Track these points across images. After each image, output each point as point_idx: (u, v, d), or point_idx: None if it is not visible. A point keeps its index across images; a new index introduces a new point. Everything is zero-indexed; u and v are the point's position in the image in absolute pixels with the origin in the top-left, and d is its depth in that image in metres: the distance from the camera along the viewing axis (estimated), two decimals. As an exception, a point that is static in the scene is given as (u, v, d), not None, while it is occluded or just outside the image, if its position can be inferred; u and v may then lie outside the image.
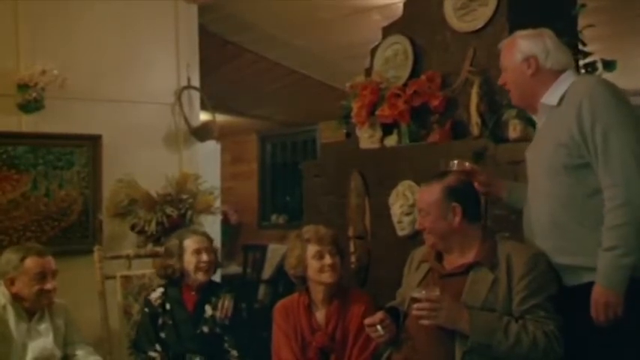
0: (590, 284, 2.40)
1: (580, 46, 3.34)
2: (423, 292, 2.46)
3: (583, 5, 3.39)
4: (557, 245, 2.52)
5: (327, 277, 3.07)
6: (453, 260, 2.65)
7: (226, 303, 3.43)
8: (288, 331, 3.13)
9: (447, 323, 2.44)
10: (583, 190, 2.46)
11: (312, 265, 3.10)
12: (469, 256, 2.60)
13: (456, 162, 2.83)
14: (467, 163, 2.83)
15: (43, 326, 3.28)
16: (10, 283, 3.23)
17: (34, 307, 3.25)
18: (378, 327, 2.63)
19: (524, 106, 2.82)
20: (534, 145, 2.73)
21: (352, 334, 3.00)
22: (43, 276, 3.23)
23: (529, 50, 2.64)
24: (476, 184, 2.80)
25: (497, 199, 2.98)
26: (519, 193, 2.82)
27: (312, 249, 3.10)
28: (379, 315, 2.68)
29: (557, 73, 2.62)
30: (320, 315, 3.11)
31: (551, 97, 2.59)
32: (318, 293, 3.14)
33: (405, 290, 2.83)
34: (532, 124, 3.12)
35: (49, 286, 3.23)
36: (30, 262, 3.22)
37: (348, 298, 3.12)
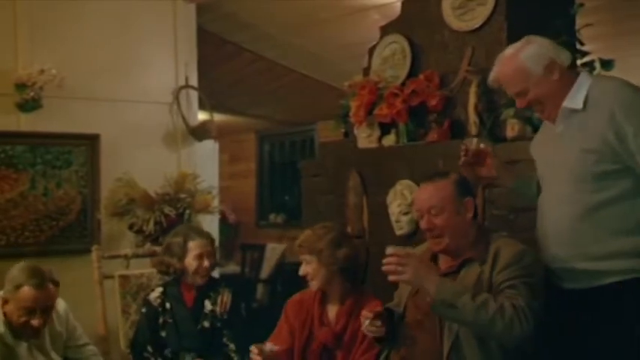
0: (614, 284, 2.40)
1: (578, 45, 3.35)
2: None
3: (581, 4, 3.39)
4: (577, 252, 2.47)
5: (312, 285, 3.08)
6: (449, 260, 2.65)
7: (225, 297, 3.44)
8: (294, 325, 3.11)
9: (413, 280, 2.42)
10: (610, 195, 2.40)
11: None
12: (464, 254, 2.59)
13: (474, 139, 2.77)
14: (483, 145, 2.76)
15: (42, 341, 3.16)
16: (5, 301, 3.06)
17: (18, 334, 3.06)
18: (367, 322, 2.64)
19: (551, 116, 2.58)
20: (554, 150, 2.58)
21: (360, 335, 2.99)
22: (31, 310, 3.00)
23: (544, 55, 2.51)
24: (485, 170, 2.75)
25: (503, 186, 2.97)
26: (526, 189, 2.80)
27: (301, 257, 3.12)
28: (377, 309, 2.69)
29: (570, 71, 2.56)
30: (332, 312, 3.10)
31: (574, 100, 2.48)
32: (331, 291, 3.13)
33: (401, 291, 2.84)
34: (530, 123, 3.13)
35: (35, 322, 3.00)
36: (24, 292, 2.98)
37: (362, 300, 3.10)
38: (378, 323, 2.67)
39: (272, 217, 9.64)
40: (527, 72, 2.50)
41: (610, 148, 2.37)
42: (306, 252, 3.06)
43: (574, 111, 2.47)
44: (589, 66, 3.26)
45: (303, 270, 3.06)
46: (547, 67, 2.49)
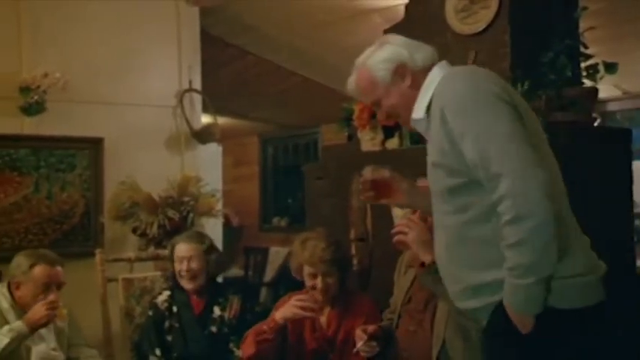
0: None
1: (582, 49, 3.34)
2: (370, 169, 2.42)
3: (584, 8, 3.39)
4: (456, 288, 2.14)
5: (317, 294, 3.06)
6: None
7: (235, 304, 3.44)
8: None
9: (415, 242, 2.44)
10: (469, 217, 2.03)
11: (307, 280, 3.10)
12: None
13: (369, 168, 2.45)
14: (386, 171, 2.46)
15: (46, 330, 3.27)
16: (16, 287, 3.24)
17: None
18: (361, 342, 2.65)
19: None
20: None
21: (352, 337, 3.00)
22: (47, 287, 3.22)
23: (391, 60, 2.20)
24: (393, 199, 2.47)
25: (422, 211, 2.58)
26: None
27: (307, 268, 3.08)
28: (371, 329, 2.69)
29: (426, 73, 2.19)
30: (323, 317, 3.10)
31: (418, 108, 2.16)
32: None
33: (396, 297, 2.84)
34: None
35: (51, 297, 3.20)
36: (38, 270, 3.23)
37: (352, 303, 3.11)
38: (373, 344, 2.68)
39: (275, 220, 9.65)
40: (375, 81, 2.22)
41: (449, 159, 2.02)
42: (328, 265, 3.02)
43: (424, 120, 2.15)
44: (593, 69, 3.26)
45: (323, 283, 3.03)
46: (396, 73, 2.20)
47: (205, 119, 5.50)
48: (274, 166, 10.06)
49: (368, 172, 2.43)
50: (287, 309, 2.97)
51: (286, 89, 7.38)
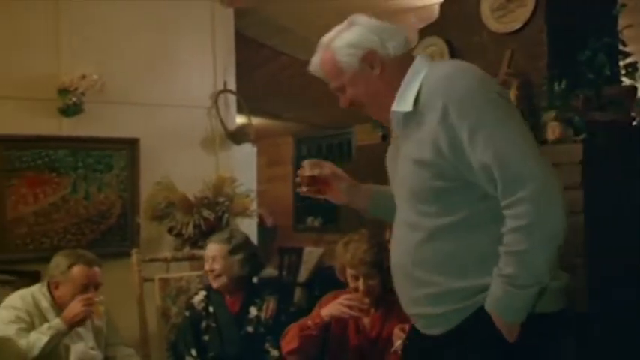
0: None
1: (620, 47, 3.30)
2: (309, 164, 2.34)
3: (623, 5, 3.34)
4: (416, 293, 2.05)
5: (361, 296, 3.04)
6: None
7: (271, 304, 3.45)
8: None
9: None
10: (450, 222, 1.93)
11: (350, 282, 3.08)
12: None
13: (307, 163, 2.34)
14: (326, 167, 2.32)
15: (84, 329, 3.31)
16: (55, 286, 3.28)
17: None
18: (399, 341, 2.63)
19: (385, 119, 2.11)
20: (397, 163, 2.10)
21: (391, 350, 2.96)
22: (85, 287, 3.25)
23: (359, 45, 2.02)
24: (332, 196, 2.35)
25: (361, 211, 2.49)
26: (382, 213, 2.37)
27: (349, 270, 3.07)
28: (409, 326, 2.67)
29: (405, 60, 2.03)
30: (366, 318, 3.08)
31: (403, 99, 1.98)
32: None
33: None
34: (572, 125, 3.08)
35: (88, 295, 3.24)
36: (77, 270, 3.26)
37: (395, 305, 3.08)
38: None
39: (309, 220, 9.66)
40: (340, 66, 2.05)
41: (445, 158, 1.88)
42: (370, 267, 2.98)
43: (408, 113, 1.98)
44: (632, 67, 3.21)
45: (365, 285, 2.99)
46: (364, 60, 2.01)
47: (240, 120, 5.52)
48: (308, 166, 10.06)
49: (307, 167, 2.32)
50: (334, 306, 2.96)
51: (320, 89, 7.37)
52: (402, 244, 2.06)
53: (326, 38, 2.11)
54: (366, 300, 2.98)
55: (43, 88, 4.51)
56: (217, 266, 3.42)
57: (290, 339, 3.03)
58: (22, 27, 4.51)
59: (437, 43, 3.90)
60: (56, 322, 3.11)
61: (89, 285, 3.27)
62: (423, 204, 1.97)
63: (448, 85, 1.90)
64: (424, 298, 2.00)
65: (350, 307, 2.92)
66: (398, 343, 2.66)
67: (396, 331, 2.71)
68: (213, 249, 3.47)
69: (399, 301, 2.90)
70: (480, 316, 1.90)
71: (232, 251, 3.46)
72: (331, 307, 2.97)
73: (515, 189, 1.80)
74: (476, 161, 1.84)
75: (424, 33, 4.04)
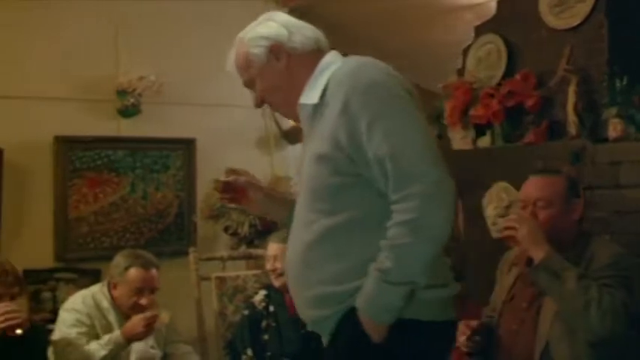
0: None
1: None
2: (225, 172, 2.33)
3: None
4: (304, 294, 1.98)
5: None
6: None
7: None
8: None
9: (526, 239, 2.39)
10: (339, 221, 1.87)
11: None
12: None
13: (226, 170, 2.37)
14: (243, 176, 2.27)
15: None
16: (113, 287, 3.32)
17: (129, 315, 3.27)
18: (463, 337, 2.60)
19: (294, 116, 2.09)
20: (303, 159, 2.05)
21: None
22: (140, 291, 3.26)
23: (267, 37, 2.05)
24: (248, 205, 2.27)
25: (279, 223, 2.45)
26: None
27: None
28: (474, 324, 2.64)
29: (313, 56, 2.03)
30: None
31: (310, 92, 1.97)
32: None
33: (497, 295, 2.78)
34: (634, 122, 3.02)
35: (143, 301, 3.25)
36: (133, 272, 3.26)
37: (464, 308, 3.05)
38: (477, 339, 2.62)
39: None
40: (250, 58, 2.08)
41: (342, 151, 1.84)
42: None
43: (315, 107, 1.95)
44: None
45: None
46: (271, 52, 2.03)
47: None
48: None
49: (223, 174, 2.30)
50: None
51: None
52: (295, 244, 2.00)
53: (241, 33, 2.16)
54: None
55: (101, 90, 4.59)
56: (280, 265, 3.44)
57: None
58: (82, 30, 4.59)
59: (494, 41, 3.85)
60: (116, 335, 3.14)
61: (144, 289, 3.27)
62: (320, 202, 1.90)
63: (352, 78, 1.87)
64: (312, 300, 1.95)
65: None
66: (462, 339, 2.63)
67: (461, 326, 2.67)
68: (276, 248, 3.48)
69: (471, 307, 2.88)
70: (351, 316, 1.85)
71: None
72: None
73: (406, 184, 1.75)
74: (372, 154, 1.79)
75: (480, 30, 4.00)
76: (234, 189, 2.21)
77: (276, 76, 2.04)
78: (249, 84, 2.13)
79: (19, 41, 4.36)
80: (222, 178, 2.25)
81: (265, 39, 2.04)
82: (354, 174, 1.84)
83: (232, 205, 2.38)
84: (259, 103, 2.13)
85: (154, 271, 3.32)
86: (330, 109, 1.87)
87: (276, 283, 3.45)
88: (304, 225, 1.94)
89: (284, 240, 3.49)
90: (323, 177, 1.88)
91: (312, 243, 1.91)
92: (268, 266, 3.49)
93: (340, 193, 1.86)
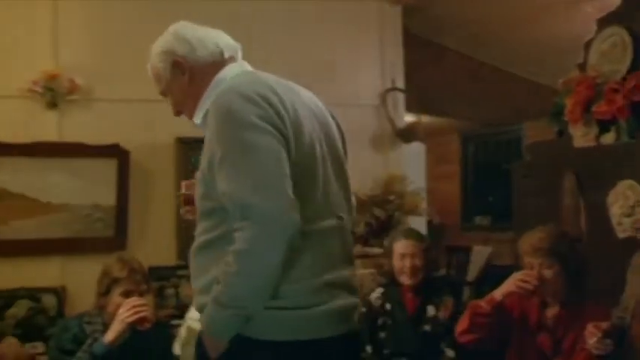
0: None
1: None
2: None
3: None
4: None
5: (534, 273, 2.95)
6: None
7: (449, 305, 3.43)
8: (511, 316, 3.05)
9: None
10: (212, 237, 1.94)
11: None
12: None
13: (184, 182, 2.40)
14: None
15: None
16: None
17: None
18: (594, 339, 2.52)
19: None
20: None
21: (580, 344, 2.85)
22: None
23: (169, 51, 2.07)
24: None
25: None
26: None
27: (526, 259, 3.00)
28: (605, 325, 2.55)
29: (215, 69, 2.07)
30: (551, 316, 2.98)
31: (198, 112, 2.04)
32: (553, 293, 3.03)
33: (629, 295, 2.68)
34: None
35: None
36: None
37: (583, 306, 2.96)
38: (608, 342, 2.53)
39: (477, 219, 9.48)
40: (158, 72, 2.12)
41: (206, 179, 1.90)
42: (545, 254, 2.94)
43: (202, 125, 2.01)
44: None
45: (536, 275, 2.92)
46: (174, 67, 2.07)
47: (408, 118, 5.51)
48: (475, 163, 9.89)
49: (182, 186, 2.37)
50: (505, 285, 2.95)
51: (488, 85, 7.25)
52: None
53: (153, 46, 2.15)
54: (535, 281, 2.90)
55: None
56: (418, 262, 3.44)
57: (461, 320, 3.03)
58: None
59: (618, 33, 3.70)
60: None
61: None
62: (201, 218, 1.97)
63: (215, 106, 1.88)
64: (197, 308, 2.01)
65: (525, 281, 2.86)
66: (592, 340, 2.55)
67: (590, 328, 2.59)
68: (411, 245, 3.48)
69: (588, 307, 2.79)
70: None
71: (427, 248, 3.48)
72: (503, 286, 2.94)
73: (241, 216, 1.78)
74: (219, 186, 1.83)
75: (603, 23, 3.86)
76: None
77: (183, 88, 2.08)
78: (163, 94, 2.17)
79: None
80: (182, 190, 2.35)
81: (166, 53, 2.08)
82: (216, 200, 1.88)
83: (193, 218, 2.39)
84: (175, 113, 2.18)
85: None
86: (208, 133, 1.91)
87: (411, 281, 3.45)
88: (196, 236, 2.02)
89: (418, 238, 3.51)
90: (199, 197, 1.96)
91: (192, 256, 2.00)
92: (407, 263, 3.46)
93: (212, 213, 1.92)
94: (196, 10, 4.69)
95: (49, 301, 4.20)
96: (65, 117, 4.44)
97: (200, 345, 1.94)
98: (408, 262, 3.44)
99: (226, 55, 2.10)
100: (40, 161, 4.33)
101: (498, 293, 2.95)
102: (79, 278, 4.20)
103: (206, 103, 2.00)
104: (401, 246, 3.49)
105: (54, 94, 4.33)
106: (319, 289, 1.90)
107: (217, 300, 1.82)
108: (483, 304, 2.96)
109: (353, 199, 2.24)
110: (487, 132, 9.51)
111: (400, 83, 5.35)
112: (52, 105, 4.36)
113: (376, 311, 3.48)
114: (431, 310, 3.42)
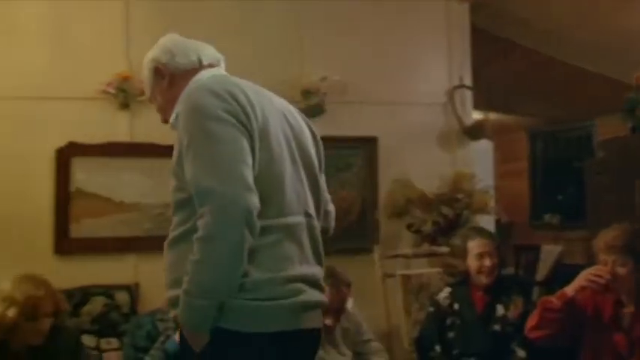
0: None
1: None
2: None
3: None
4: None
5: (607, 269, 2.90)
6: None
7: (519, 304, 3.39)
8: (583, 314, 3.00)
9: None
10: (183, 230, 1.97)
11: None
12: None
13: None
14: None
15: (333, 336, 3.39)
16: None
17: None
18: None
19: None
20: None
21: None
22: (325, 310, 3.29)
23: (153, 59, 2.21)
24: None
25: None
26: None
27: (600, 256, 2.94)
28: None
29: (192, 74, 2.17)
30: (627, 315, 2.92)
31: (174, 113, 2.10)
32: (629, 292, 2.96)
33: None
34: None
35: (329, 322, 3.21)
36: None
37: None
38: None
39: (547, 217, 9.30)
40: (145, 79, 2.26)
41: (176, 170, 1.98)
42: (618, 252, 2.88)
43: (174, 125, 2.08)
44: None
45: (609, 270, 2.88)
46: (156, 72, 2.20)
47: (475, 115, 5.45)
48: (544, 161, 9.71)
49: None
50: (577, 281, 2.93)
51: (557, 81, 7.10)
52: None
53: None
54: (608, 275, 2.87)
55: (287, 91, 4.72)
56: (495, 261, 3.41)
57: (532, 317, 3.02)
58: (267, 35, 4.77)
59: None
60: None
61: (329, 309, 3.26)
62: (174, 213, 2.02)
63: (183, 103, 1.99)
64: (170, 302, 2.02)
65: (597, 276, 2.83)
66: None
67: None
68: (486, 244, 3.45)
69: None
70: None
71: (498, 247, 3.46)
72: (575, 282, 2.92)
73: (202, 203, 1.83)
74: (187, 175, 1.89)
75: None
76: None
77: (163, 93, 2.20)
78: (150, 101, 2.30)
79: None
80: None
81: (152, 60, 2.22)
82: (187, 191, 1.93)
83: None
84: (162, 120, 2.25)
85: (343, 289, 3.38)
86: (178, 129, 1.98)
87: (488, 280, 3.41)
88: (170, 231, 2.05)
89: (490, 236, 3.48)
90: (172, 190, 2.01)
91: (166, 250, 2.03)
92: (485, 262, 3.42)
93: (182, 207, 1.97)
94: (264, 11, 4.78)
95: (122, 298, 4.31)
96: (136, 117, 4.53)
97: (184, 339, 1.96)
98: (487, 262, 3.40)
99: (205, 62, 2.21)
100: (113, 161, 4.45)
101: (570, 289, 2.93)
102: (151, 276, 4.28)
103: (180, 104, 2.06)
104: (477, 245, 3.45)
105: (126, 95, 4.42)
106: (292, 281, 1.95)
107: (187, 292, 1.85)
108: (554, 299, 2.94)
109: (331, 207, 2.37)
110: (556, 129, 9.32)
111: (467, 80, 5.30)
112: (125, 106, 4.47)
113: (444, 311, 3.45)
114: (500, 310, 3.37)
